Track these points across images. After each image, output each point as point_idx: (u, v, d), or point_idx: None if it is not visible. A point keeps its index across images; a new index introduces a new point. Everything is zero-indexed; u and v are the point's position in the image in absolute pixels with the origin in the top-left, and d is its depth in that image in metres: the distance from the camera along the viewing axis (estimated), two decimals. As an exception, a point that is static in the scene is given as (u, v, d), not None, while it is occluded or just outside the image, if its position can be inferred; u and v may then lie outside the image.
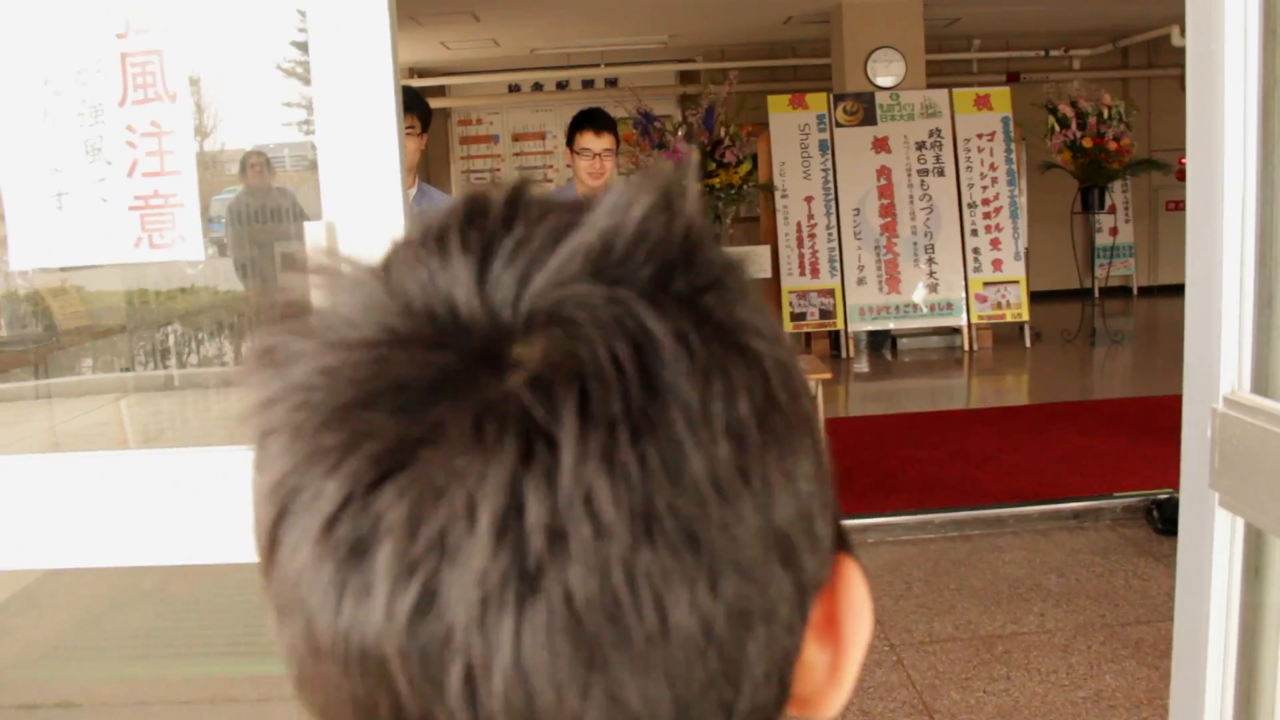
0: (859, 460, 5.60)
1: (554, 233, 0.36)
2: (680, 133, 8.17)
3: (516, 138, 11.87)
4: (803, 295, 8.57)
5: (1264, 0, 1.27)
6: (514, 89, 11.97)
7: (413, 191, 3.84)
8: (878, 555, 4.54)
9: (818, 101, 8.63)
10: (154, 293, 2.03)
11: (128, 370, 2.12)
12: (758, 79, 9.95)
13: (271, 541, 0.35)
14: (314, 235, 1.27)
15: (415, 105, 3.83)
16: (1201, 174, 1.36)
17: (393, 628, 0.33)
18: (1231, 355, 1.35)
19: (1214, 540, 1.38)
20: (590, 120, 4.12)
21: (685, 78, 11.18)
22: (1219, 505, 1.36)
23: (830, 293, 8.55)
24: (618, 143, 4.18)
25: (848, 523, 0.48)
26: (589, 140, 4.10)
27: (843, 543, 0.44)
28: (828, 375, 4.19)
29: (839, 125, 8.56)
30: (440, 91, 12.02)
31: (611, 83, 11.34)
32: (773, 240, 8.68)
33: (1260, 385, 1.34)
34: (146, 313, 2.01)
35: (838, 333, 8.62)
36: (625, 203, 0.37)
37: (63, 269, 1.96)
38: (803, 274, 8.56)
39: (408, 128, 3.76)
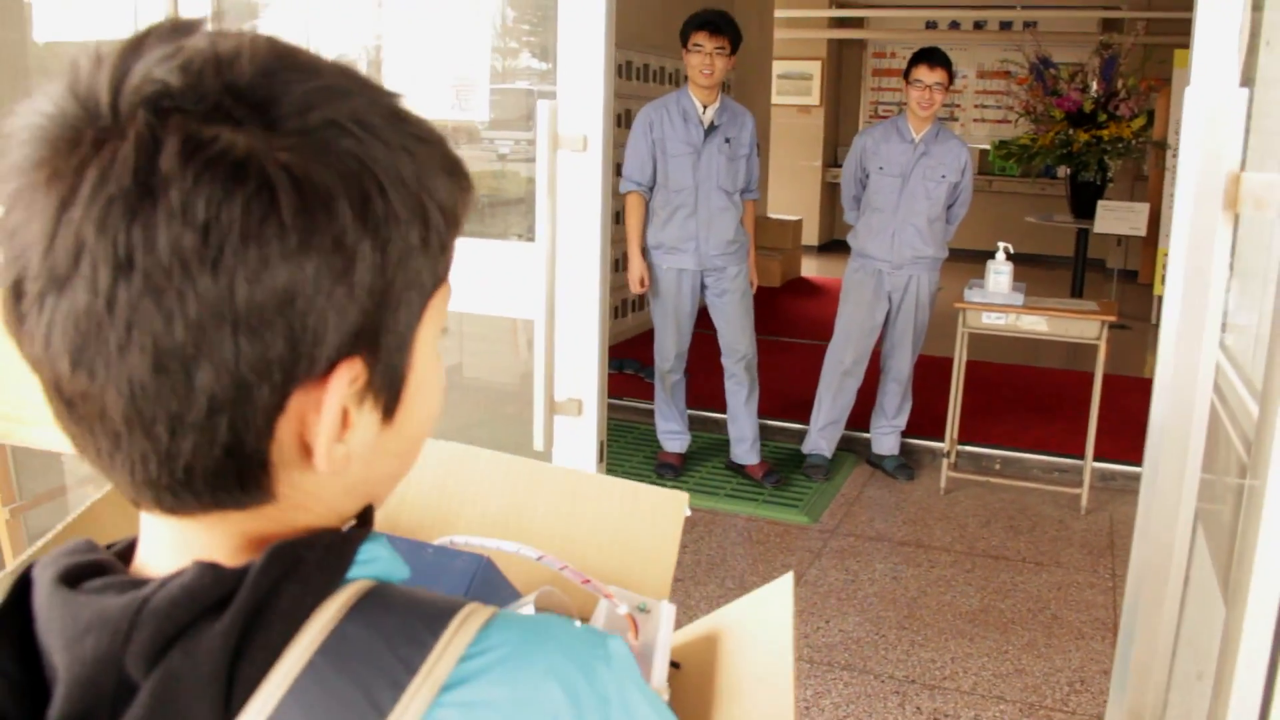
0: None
1: (167, 60, 0.51)
2: (1075, 80, 8.13)
3: (926, 74, 11.91)
4: (1178, 260, 8.31)
5: None
6: (930, 25, 12.10)
7: (715, 105, 4.41)
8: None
9: (1228, 60, 8.21)
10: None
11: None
12: (1175, 31, 9.53)
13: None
14: (543, 111, 2.00)
15: (727, 29, 4.32)
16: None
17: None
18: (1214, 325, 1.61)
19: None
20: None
21: (1107, 25, 10.84)
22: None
23: (1208, 261, 8.22)
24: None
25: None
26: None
27: (360, 349, 0.55)
28: (1113, 317, 4.35)
29: (1247, 87, 8.11)
30: (858, 23, 12.42)
31: (1030, 25, 11.21)
32: (1156, 199, 8.46)
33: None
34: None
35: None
36: (208, 56, 0.51)
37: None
38: (1181, 238, 8.29)
39: (718, 48, 4.30)
